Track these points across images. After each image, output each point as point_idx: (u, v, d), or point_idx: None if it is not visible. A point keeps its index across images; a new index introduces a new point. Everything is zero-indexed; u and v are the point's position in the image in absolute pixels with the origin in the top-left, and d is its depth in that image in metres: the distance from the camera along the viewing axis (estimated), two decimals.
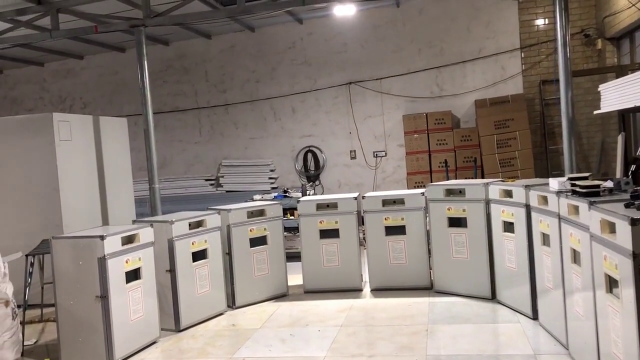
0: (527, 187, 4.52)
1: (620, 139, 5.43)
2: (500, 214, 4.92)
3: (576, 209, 3.41)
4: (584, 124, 9.22)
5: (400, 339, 4.39)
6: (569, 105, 5.92)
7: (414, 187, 8.83)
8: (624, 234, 2.54)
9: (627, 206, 2.75)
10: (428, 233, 5.72)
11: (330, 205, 5.98)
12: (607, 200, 3.10)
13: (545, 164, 9.19)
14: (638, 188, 2.70)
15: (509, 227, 4.82)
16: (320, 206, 6.00)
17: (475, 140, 9.08)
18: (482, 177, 8.71)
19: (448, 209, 5.45)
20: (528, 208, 4.50)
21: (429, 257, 5.74)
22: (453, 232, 5.42)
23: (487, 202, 5.17)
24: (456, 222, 5.42)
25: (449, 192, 5.50)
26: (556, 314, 3.99)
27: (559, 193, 3.79)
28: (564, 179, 3.98)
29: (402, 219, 5.79)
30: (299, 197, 7.26)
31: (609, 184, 3.45)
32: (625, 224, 2.49)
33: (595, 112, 6.04)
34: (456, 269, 5.42)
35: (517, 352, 3.93)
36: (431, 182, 9.06)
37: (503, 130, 8.88)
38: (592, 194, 3.32)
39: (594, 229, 2.98)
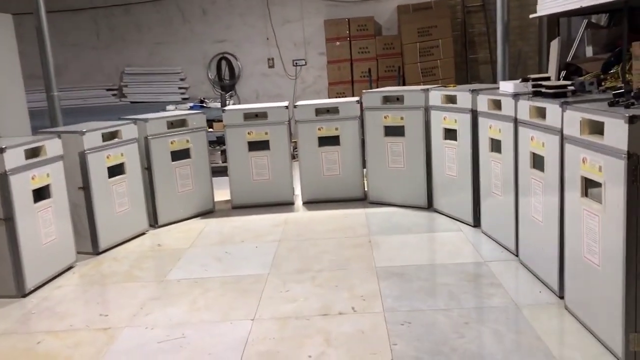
0: (474, 91, 4.32)
1: (556, 43, 5.36)
2: (442, 121, 4.73)
3: (541, 111, 3.24)
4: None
5: (344, 251, 4.19)
6: (505, 10, 5.71)
7: (336, 98, 8.50)
8: (616, 134, 2.36)
9: (611, 104, 2.59)
10: (363, 143, 5.47)
11: (260, 115, 5.52)
12: (581, 100, 2.93)
13: (465, 74, 9.15)
14: (621, 86, 2.51)
15: (451, 134, 4.65)
16: (248, 116, 5.52)
17: (397, 48, 8.79)
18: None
19: (385, 117, 5.19)
20: (474, 114, 4.33)
21: (364, 167, 5.53)
22: (390, 142, 5.20)
23: (427, 109, 4.96)
24: (393, 131, 5.20)
25: (386, 99, 5.22)
26: (503, 221, 3.93)
27: (516, 96, 3.60)
28: (518, 81, 3.80)
29: (336, 128, 5.48)
30: (219, 107, 6.73)
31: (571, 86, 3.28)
32: (620, 123, 2.31)
33: (531, 16, 5.90)
34: (392, 179, 5.25)
35: (466, 260, 3.86)
36: (353, 92, 8.78)
37: (426, 38, 8.65)
38: (559, 95, 3.14)
39: (570, 131, 2.81)
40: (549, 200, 3.17)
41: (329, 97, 8.80)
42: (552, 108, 3.05)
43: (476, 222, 4.50)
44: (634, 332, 2.42)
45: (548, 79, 3.35)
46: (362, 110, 5.41)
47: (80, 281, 3.98)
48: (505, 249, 3.95)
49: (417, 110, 5.01)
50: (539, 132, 3.24)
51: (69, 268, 4.18)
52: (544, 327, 2.89)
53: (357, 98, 5.59)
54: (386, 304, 3.26)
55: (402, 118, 5.11)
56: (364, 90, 5.39)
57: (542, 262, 3.34)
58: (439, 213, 4.94)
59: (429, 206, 5.11)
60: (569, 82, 3.19)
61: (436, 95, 4.81)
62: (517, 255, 3.80)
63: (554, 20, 6.70)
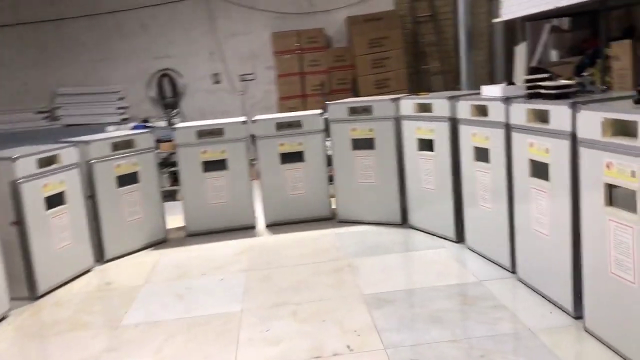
0: (452, 98, 4.03)
1: (522, 48, 5.20)
2: (416, 131, 4.42)
3: (543, 114, 2.95)
4: (452, 44, 9.11)
5: (323, 279, 3.76)
6: (468, 16, 5.52)
7: (288, 112, 8.10)
8: None
9: (637, 102, 2.31)
10: (328, 158, 5.09)
11: (215, 132, 5.04)
12: (591, 101, 2.65)
13: (417, 85, 8.98)
14: None
15: (426, 144, 4.34)
16: (203, 133, 5.03)
17: (349, 60, 8.51)
18: None
19: (353, 130, 4.83)
20: (453, 122, 4.03)
21: (330, 184, 5.15)
22: (359, 155, 4.84)
23: (398, 120, 4.64)
24: (362, 144, 4.84)
25: (353, 110, 4.87)
26: (493, 235, 3.63)
27: (508, 99, 3.32)
28: (504, 84, 3.53)
29: (300, 143, 5.07)
30: (166, 126, 6.21)
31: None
32: None
33: (494, 21, 5.73)
34: (362, 195, 4.88)
35: (459, 281, 3.52)
36: (306, 107, 8.42)
37: (378, 49, 8.42)
38: (563, 96, 2.87)
39: (587, 134, 2.52)
40: (557, 210, 2.87)
41: (280, 113, 8.40)
42: (559, 110, 2.76)
43: (459, 238, 4.19)
44: None
45: (546, 79, 3.08)
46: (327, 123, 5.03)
47: (15, 335, 3.37)
48: (498, 265, 3.64)
49: (387, 121, 4.67)
50: (541, 137, 2.95)
51: (1, 319, 3.54)
52: (568, 355, 2.56)
53: (320, 110, 5.21)
54: (385, 338, 2.85)
55: (371, 130, 4.76)
56: (329, 102, 5.01)
57: (550, 280, 3.04)
58: (416, 229, 4.60)
59: (404, 222, 4.77)
60: (571, 82, 2.92)
61: (408, 105, 4.50)
62: (513, 272, 3.49)
63: (510, 27, 6.62)
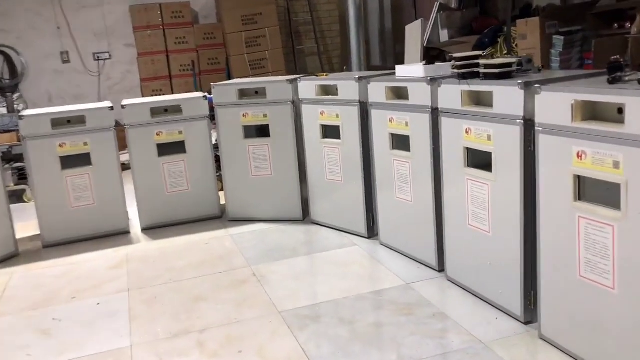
0: (362, 79, 3.61)
1: (418, 26, 4.92)
2: (319, 116, 3.95)
3: (483, 96, 2.62)
4: (327, 23, 8.78)
5: (227, 294, 3.18)
6: None
7: (152, 96, 7.23)
8: None
9: (612, 82, 2.03)
10: (216, 149, 4.45)
11: (74, 120, 4.16)
12: (548, 80, 2.35)
13: (294, 66, 8.53)
14: (615, 58, 1.97)
15: (332, 132, 3.89)
16: (59, 122, 4.12)
17: (219, 38, 7.82)
18: None
19: (244, 116, 4.24)
20: (364, 106, 3.62)
21: (218, 178, 4.52)
22: (252, 145, 4.27)
23: (296, 103, 4.13)
24: (256, 132, 4.28)
25: (243, 93, 4.27)
26: (415, 230, 3.29)
27: (434, 80, 2.96)
28: (422, 63, 3.17)
29: (181, 132, 4.36)
30: (5, 114, 5.15)
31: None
32: None
33: None
34: (257, 190, 4.33)
35: (385, 285, 3.12)
36: (172, 89, 7.60)
37: (251, 26, 7.81)
38: (505, 76, 2.55)
39: (549, 118, 2.20)
40: (504, 205, 2.56)
41: (143, 96, 7.49)
42: (508, 92, 2.44)
43: (370, 233, 3.82)
44: None
45: (477, 57, 2.75)
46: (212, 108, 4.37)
47: None
48: (421, 263, 3.32)
49: (283, 105, 4.15)
50: (482, 123, 2.61)
51: None
52: None
53: (203, 93, 4.53)
54: None
55: (265, 115, 4.20)
56: (214, 84, 4.35)
57: (491, 281, 2.74)
58: (320, 225, 4.16)
59: (305, 218, 4.30)
60: (512, 60, 2.61)
61: (308, 87, 4.00)
62: (440, 271, 3.18)
63: (397, 6, 6.39)
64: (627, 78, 2.05)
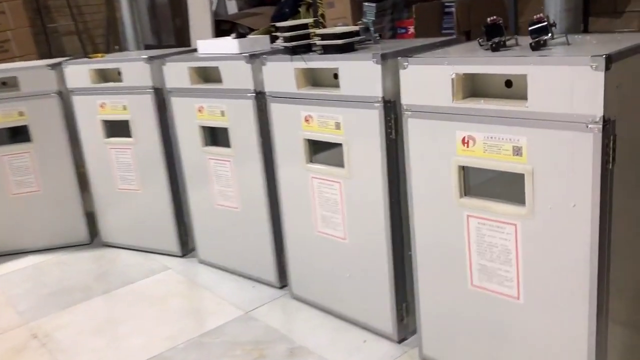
0: (153, 59, 2.83)
1: None
2: (98, 110, 3.06)
3: (323, 74, 2.10)
4: None
5: None
6: None
7: None
8: (578, 92, 1.43)
9: (495, 48, 1.65)
10: None
11: None
12: (405, 51, 1.90)
13: (47, 48, 7.09)
14: (538, 17, 1.60)
15: (119, 128, 3.05)
16: None
17: None
18: None
19: None
20: (159, 93, 2.86)
21: None
22: (5, 154, 3.20)
23: (63, 95, 3.17)
24: (7, 135, 3.21)
25: None
26: (249, 241, 2.70)
27: (254, 57, 2.36)
28: (232, 36, 2.53)
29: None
30: None
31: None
32: (588, 71, 1.38)
33: None
34: (22, 212, 3.28)
35: (221, 320, 2.47)
36: None
37: None
38: (348, 47, 2.06)
39: (420, 99, 1.76)
40: (363, 206, 2.10)
41: None
42: (357, 67, 1.95)
43: (185, 250, 3.12)
44: None
45: (306, 26, 2.21)
46: None
47: None
48: (257, 281, 2.74)
49: (45, 99, 3.15)
50: (327, 108, 2.10)
51: None
52: None
53: None
54: None
55: (21, 114, 3.15)
56: None
57: (353, 296, 2.29)
58: (116, 247, 3.31)
59: (93, 240, 3.40)
60: (354, 28, 2.12)
61: (79, 72, 3.07)
62: (282, 288, 2.65)
63: None
64: (509, 43, 1.70)
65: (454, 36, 3.39)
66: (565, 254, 1.54)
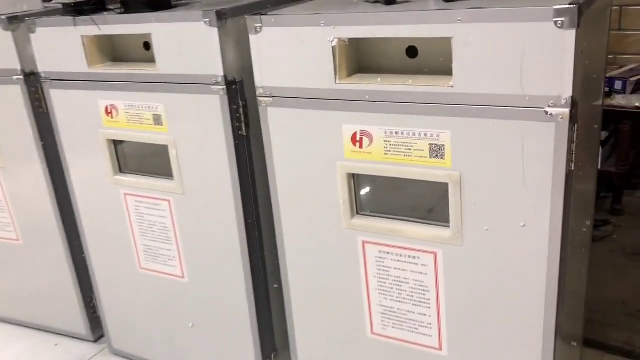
0: None
1: None
2: None
3: (128, 46, 1.42)
4: None
5: None
6: None
7: None
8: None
9: (389, 2, 1.12)
10: None
11: None
12: (247, 7, 1.30)
13: None
14: None
15: None
16: None
17: None
18: None
19: None
20: None
21: None
22: None
23: None
24: None
25: None
26: (40, 284, 1.92)
27: (16, 20, 1.57)
28: None
29: None
30: None
31: None
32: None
33: None
34: None
35: None
36: None
37: None
38: (164, 4, 1.39)
39: (275, 79, 1.19)
40: (210, 230, 1.49)
41: None
42: (183, 31, 1.30)
43: None
44: None
45: None
46: None
47: None
48: (59, 334, 1.99)
49: None
50: (135, 94, 1.42)
51: None
52: None
53: None
54: None
55: None
56: None
57: (199, 351, 1.68)
58: None
59: None
60: None
61: None
62: (97, 341, 1.94)
63: None
64: None
65: None
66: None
